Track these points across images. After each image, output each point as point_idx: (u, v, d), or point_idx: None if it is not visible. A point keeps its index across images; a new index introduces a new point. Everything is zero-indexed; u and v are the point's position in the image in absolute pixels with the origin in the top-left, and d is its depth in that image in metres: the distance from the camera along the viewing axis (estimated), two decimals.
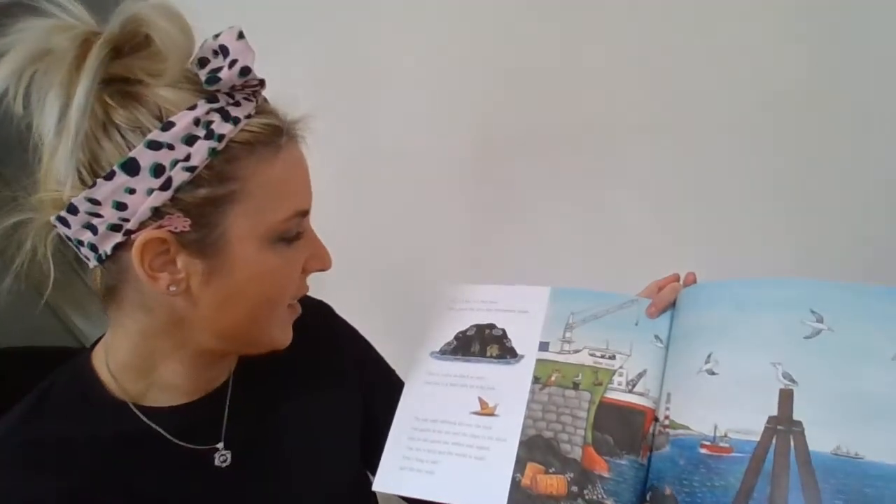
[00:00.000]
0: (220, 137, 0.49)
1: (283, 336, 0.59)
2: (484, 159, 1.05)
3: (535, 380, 0.59)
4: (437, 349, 0.65)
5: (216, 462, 0.60)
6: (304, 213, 0.56)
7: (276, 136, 0.52)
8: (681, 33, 0.88)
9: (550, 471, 0.54)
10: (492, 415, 0.59)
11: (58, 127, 0.47)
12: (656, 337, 0.59)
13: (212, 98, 0.50)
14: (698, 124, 0.90)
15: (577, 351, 0.60)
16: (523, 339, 0.63)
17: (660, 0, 0.88)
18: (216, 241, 0.51)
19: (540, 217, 1.04)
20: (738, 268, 0.91)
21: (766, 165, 0.88)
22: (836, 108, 0.83)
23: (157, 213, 0.49)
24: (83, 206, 0.48)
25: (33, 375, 0.59)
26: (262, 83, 0.53)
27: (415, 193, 1.13)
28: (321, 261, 0.60)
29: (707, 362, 0.52)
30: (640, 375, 0.57)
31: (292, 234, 0.55)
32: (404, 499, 0.65)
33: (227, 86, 0.50)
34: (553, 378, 0.59)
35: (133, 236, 0.49)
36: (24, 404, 0.56)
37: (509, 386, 0.60)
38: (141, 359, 0.56)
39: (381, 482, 0.59)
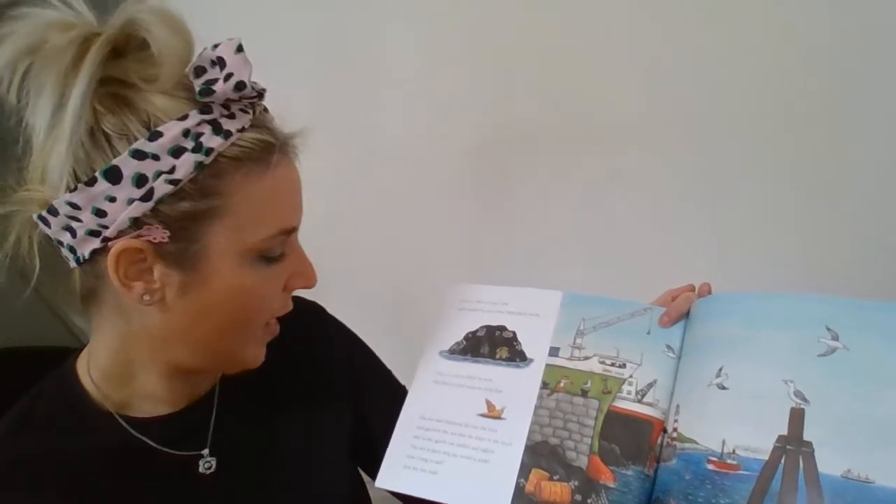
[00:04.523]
0: (209, 151, 0.48)
1: (255, 356, 0.57)
2: (485, 159, 1.05)
3: (544, 385, 0.59)
4: (447, 348, 0.65)
5: (201, 469, 0.59)
6: (290, 232, 0.54)
7: (268, 153, 0.51)
8: (682, 33, 0.88)
9: (555, 478, 0.54)
10: (498, 418, 0.59)
11: (49, 127, 0.47)
12: (668, 347, 0.58)
13: (205, 109, 0.48)
14: (701, 125, 0.90)
15: (587, 358, 0.60)
16: (533, 342, 0.62)
17: (661, 0, 0.87)
18: (195, 255, 0.50)
19: (540, 217, 1.04)
20: (741, 269, 0.91)
21: (769, 166, 0.88)
22: (843, 108, 0.83)
23: (135, 223, 0.48)
24: (63, 209, 0.48)
25: (33, 375, 0.60)
26: (260, 95, 0.51)
27: (414, 194, 1.13)
28: (305, 279, 0.57)
29: (718, 376, 0.51)
30: (650, 385, 0.57)
31: (275, 254, 0.53)
32: (400, 499, 0.65)
33: (221, 99, 0.48)
34: (562, 384, 0.59)
35: (110, 244, 0.48)
36: (10, 417, 0.55)
37: (517, 390, 0.60)
38: (121, 366, 0.56)
39: (384, 479, 0.59)
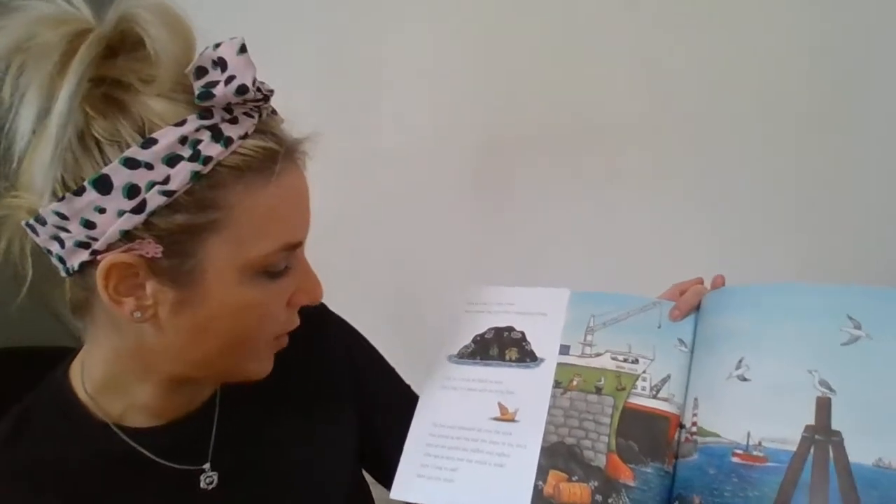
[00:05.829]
0: (207, 160, 0.44)
1: (259, 369, 0.54)
2: (485, 160, 1.06)
3: (556, 384, 0.58)
4: (455, 353, 0.64)
5: (202, 484, 0.56)
6: (294, 247, 0.50)
7: (271, 161, 0.47)
8: (682, 33, 0.89)
9: (573, 479, 0.52)
10: (512, 420, 0.57)
11: (34, 131, 0.44)
12: (680, 341, 0.57)
13: (205, 113, 0.45)
14: (701, 125, 0.91)
15: (598, 355, 0.58)
16: (543, 342, 0.61)
17: (661, 1, 0.88)
18: (190, 271, 0.46)
19: (541, 217, 1.04)
20: (742, 269, 0.89)
21: (770, 166, 0.89)
22: (843, 108, 0.83)
23: (127, 236, 0.44)
24: (51, 219, 0.44)
25: (33, 375, 0.58)
26: (266, 97, 0.48)
27: (415, 194, 1.13)
28: (310, 295, 0.54)
29: (738, 368, 0.50)
30: (664, 380, 0.56)
31: (278, 269, 0.50)
32: None
33: (222, 102, 0.45)
34: (574, 382, 0.57)
35: (100, 257, 0.45)
36: (3, 427, 0.53)
37: (529, 390, 0.58)
38: (115, 378, 0.53)
39: (399, 490, 0.57)
